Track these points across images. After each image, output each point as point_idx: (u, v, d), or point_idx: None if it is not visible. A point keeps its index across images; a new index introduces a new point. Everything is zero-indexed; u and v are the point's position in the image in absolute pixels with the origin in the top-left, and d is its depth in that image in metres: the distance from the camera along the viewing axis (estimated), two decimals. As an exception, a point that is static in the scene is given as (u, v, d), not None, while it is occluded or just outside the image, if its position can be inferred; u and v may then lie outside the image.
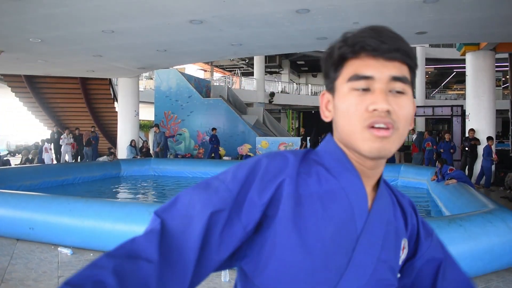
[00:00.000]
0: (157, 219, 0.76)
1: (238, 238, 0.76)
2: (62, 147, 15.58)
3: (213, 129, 16.25)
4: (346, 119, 0.80)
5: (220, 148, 17.10)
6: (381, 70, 0.78)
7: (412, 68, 0.82)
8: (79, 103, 17.72)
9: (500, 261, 4.19)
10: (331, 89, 0.85)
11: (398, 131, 0.78)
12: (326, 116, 0.87)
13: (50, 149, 15.50)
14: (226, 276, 4.01)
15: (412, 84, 0.83)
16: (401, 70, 0.79)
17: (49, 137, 16.58)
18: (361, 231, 0.80)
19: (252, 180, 0.78)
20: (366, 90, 0.78)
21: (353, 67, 0.79)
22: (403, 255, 0.90)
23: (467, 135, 11.82)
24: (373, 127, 0.77)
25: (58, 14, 7.64)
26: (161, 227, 0.75)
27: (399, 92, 0.79)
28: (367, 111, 0.77)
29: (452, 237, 3.92)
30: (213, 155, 16.10)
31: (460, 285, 0.96)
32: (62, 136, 15.74)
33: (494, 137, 11.99)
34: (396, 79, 0.78)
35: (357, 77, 0.78)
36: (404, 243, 0.91)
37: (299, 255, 0.76)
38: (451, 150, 12.18)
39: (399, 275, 0.92)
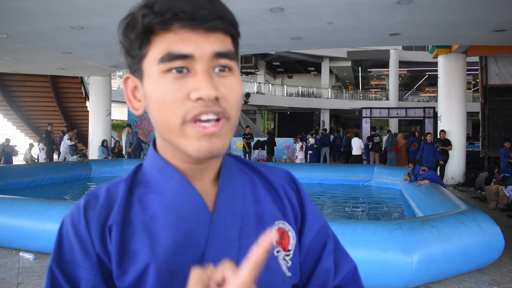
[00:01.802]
0: None
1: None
2: (63, 147, 15.00)
3: None
4: (162, 111, 0.62)
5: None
6: (202, 46, 0.61)
7: (236, 39, 0.67)
8: (49, 101, 17.28)
9: (472, 262, 4.20)
10: (137, 71, 0.66)
11: (230, 121, 0.64)
12: (135, 108, 0.68)
13: (43, 148, 14.95)
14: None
15: (237, 58, 0.67)
16: (225, 43, 0.63)
17: (43, 136, 16.17)
18: (207, 239, 0.66)
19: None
20: (182, 71, 0.61)
21: (164, 42, 0.61)
22: (291, 240, 0.73)
23: (438, 136, 12.00)
24: (199, 120, 0.61)
25: (24, 8, 7.35)
26: None
27: (223, 71, 0.63)
28: (189, 100, 0.61)
29: (425, 238, 3.89)
30: None
31: (341, 260, 0.80)
32: (65, 137, 15.16)
33: (465, 138, 12.25)
34: (220, 55, 0.62)
35: (171, 57, 0.61)
36: (283, 226, 0.73)
37: None
38: (439, 158, 10.99)
39: (289, 263, 0.72)
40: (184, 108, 0.61)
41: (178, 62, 0.61)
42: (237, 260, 0.63)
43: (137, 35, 0.63)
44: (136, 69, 0.66)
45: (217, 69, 0.63)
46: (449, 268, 4.00)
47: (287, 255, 0.72)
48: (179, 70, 0.61)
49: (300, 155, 15.72)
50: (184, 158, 0.67)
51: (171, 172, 0.69)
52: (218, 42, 0.62)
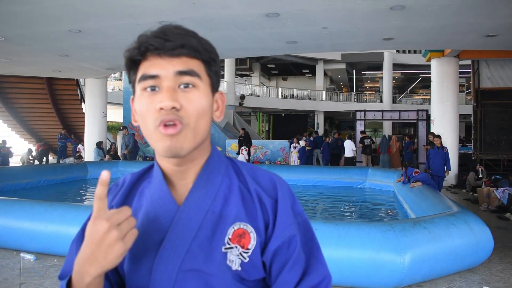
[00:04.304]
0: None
1: None
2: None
3: None
4: (143, 121, 0.81)
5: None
6: (165, 67, 0.79)
7: (206, 61, 0.83)
8: (44, 103, 17.25)
9: (463, 262, 4.32)
10: (134, 92, 0.85)
11: (189, 126, 0.79)
12: (136, 121, 0.86)
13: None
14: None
15: (211, 76, 0.84)
16: (188, 64, 0.80)
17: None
18: (169, 227, 0.83)
19: None
20: (155, 89, 0.79)
21: (142, 68, 0.81)
22: (252, 240, 0.83)
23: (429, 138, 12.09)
24: (164, 125, 0.78)
25: (22, 12, 7.42)
26: None
27: (187, 87, 0.80)
28: (157, 110, 0.78)
29: (417, 239, 4.01)
30: None
31: (312, 270, 0.85)
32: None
33: (457, 140, 12.39)
34: (182, 73, 0.79)
35: (144, 77, 0.80)
36: (244, 228, 0.83)
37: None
38: (448, 166, 8.94)
39: (242, 263, 0.82)
40: (155, 117, 0.78)
41: (150, 81, 0.79)
42: (190, 247, 0.81)
43: (127, 65, 0.84)
44: (133, 91, 0.85)
45: (182, 86, 0.79)
46: (440, 268, 4.12)
47: (245, 252, 0.82)
48: (152, 89, 0.79)
49: (293, 157, 15.79)
50: (167, 160, 0.85)
51: (157, 172, 0.88)
52: (181, 64, 0.79)
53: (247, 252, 0.82)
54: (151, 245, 0.83)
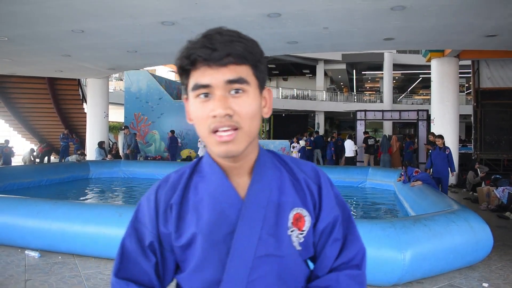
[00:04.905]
0: (121, 282, 0.94)
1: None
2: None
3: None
4: (197, 124, 0.89)
5: (191, 151, 17.05)
6: (215, 77, 0.85)
7: (253, 65, 0.89)
8: (46, 103, 17.29)
9: (463, 259, 4.37)
10: (187, 93, 0.93)
11: (243, 130, 0.86)
12: (190, 119, 0.94)
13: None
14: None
15: (258, 77, 0.90)
16: (236, 72, 0.86)
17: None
18: (237, 219, 0.91)
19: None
20: (208, 96, 0.86)
21: (194, 76, 0.87)
22: (306, 223, 0.95)
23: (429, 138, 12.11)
24: (217, 131, 0.85)
25: (25, 12, 7.47)
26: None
27: (238, 92, 0.86)
28: (210, 117, 0.85)
29: (417, 236, 4.05)
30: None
31: (349, 244, 1.00)
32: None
33: (457, 141, 12.42)
34: (231, 81, 0.85)
35: (197, 87, 0.86)
36: (300, 212, 0.95)
37: (189, 254, 0.94)
38: (452, 167, 8.48)
39: (300, 244, 0.95)
40: (208, 123, 0.85)
41: (202, 90, 0.86)
42: (260, 235, 0.90)
43: (180, 73, 0.91)
44: (186, 92, 0.93)
45: (232, 92, 0.86)
46: (440, 264, 4.16)
47: (301, 234, 0.95)
48: (205, 95, 0.86)
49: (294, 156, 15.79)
50: (222, 159, 0.92)
51: (214, 168, 0.95)
52: (230, 73, 0.85)
53: (302, 233, 0.95)
54: (220, 237, 0.91)
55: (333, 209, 1.00)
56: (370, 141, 15.34)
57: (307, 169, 1.02)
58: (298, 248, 0.95)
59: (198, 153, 15.72)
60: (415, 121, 16.12)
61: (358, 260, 1.00)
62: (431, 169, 8.65)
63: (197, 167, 1.00)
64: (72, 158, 13.79)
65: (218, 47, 0.83)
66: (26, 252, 4.86)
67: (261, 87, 0.92)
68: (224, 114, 0.83)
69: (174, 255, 0.96)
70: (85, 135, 16.33)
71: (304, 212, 0.96)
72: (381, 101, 30.05)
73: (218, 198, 0.92)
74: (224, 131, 0.84)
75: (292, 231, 0.94)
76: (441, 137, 8.67)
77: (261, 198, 0.93)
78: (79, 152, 13.63)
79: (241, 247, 0.89)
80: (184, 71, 0.89)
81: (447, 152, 8.35)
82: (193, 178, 0.98)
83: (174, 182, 0.98)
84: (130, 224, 0.99)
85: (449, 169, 8.41)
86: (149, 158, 17.14)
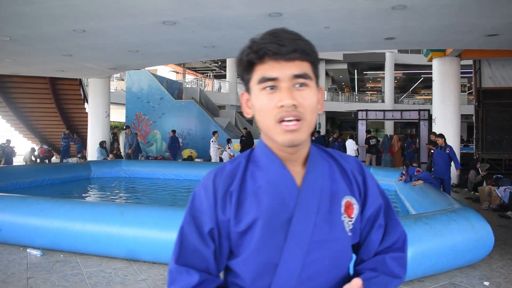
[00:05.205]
0: (181, 268, 0.98)
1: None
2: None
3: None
4: (262, 116, 0.95)
5: (192, 150, 17.05)
6: (283, 71, 0.91)
7: (313, 62, 0.96)
8: (48, 103, 17.35)
9: (464, 258, 4.37)
10: (247, 89, 1.00)
11: (306, 121, 0.93)
12: (247, 113, 1.02)
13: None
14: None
15: (316, 75, 0.98)
16: (301, 67, 0.93)
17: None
18: (295, 206, 0.96)
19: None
20: (274, 88, 0.92)
21: (260, 70, 0.93)
22: (355, 211, 1.03)
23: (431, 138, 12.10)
24: (283, 120, 0.91)
25: (27, 12, 7.49)
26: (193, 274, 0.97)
27: (301, 86, 0.93)
28: (276, 107, 0.91)
29: (418, 235, 4.05)
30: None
31: (391, 229, 1.09)
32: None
33: (459, 140, 12.41)
34: (297, 76, 0.92)
35: (264, 79, 0.93)
36: (350, 200, 1.03)
37: (247, 238, 0.97)
38: (457, 165, 8.35)
39: (350, 230, 1.02)
40: (274, 113, 0.92)
41: (269, 83, 0.92)
42: (315, 221, 0.97)
43: (244, 67, 0.97)
44: (247, 88, 1.00)
45: (297, 85, 0.93)
46: (441, 263, 4.16)
47: (350, 221, 1.03)
48: (271, 88, 0.92)
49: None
50: (280, 148, 0.99)
51: (272, 158, 1.01)
52: (296, 67, 0.92)
53: (351, 220, 1.03)
54: (279, 223, 0.96)
55: (378, 198, 1.09)
56: (372, 141, 15.34)
57: (351, 160, 1.11)
58: (350, 234, 1.02)
59: (210, 152, 15.67)
60: (417, 121, 16.11)
61: (400, 244, 1.09)
62: (433, 170, 8.65)
63: (251, 157, 1.06)
64: (73, 160, 13.80)
65: (286, 43, 0.90)
66: (28, 250, 4.87)
67: (317, 84, 0.99)
68: (291, 104, 0.90)
69: (230, 241, 1.00)
70: (86, 135, 16.36)
71: (353, 200, 1.04)
72: (383, 101, 30.05)
73: (277, 185, 0.98)
74: (290, 121, 0.90)
75: (344, 218, 1.01)
76: (441, 136, 8.61)
77: (316, 186, 0.99)
78: (79, 155, 13.63)
79: (298, 232, 0.95)
80: (249, 65, 0.95)
81: (447, 151, 8.23)
82: (248, 168, 1.03)
83: (232, 170, 1.03)
84: (187, 212, 1.03)
85: (452, 168, 8.38)
86: (150, 158, 17.16)
